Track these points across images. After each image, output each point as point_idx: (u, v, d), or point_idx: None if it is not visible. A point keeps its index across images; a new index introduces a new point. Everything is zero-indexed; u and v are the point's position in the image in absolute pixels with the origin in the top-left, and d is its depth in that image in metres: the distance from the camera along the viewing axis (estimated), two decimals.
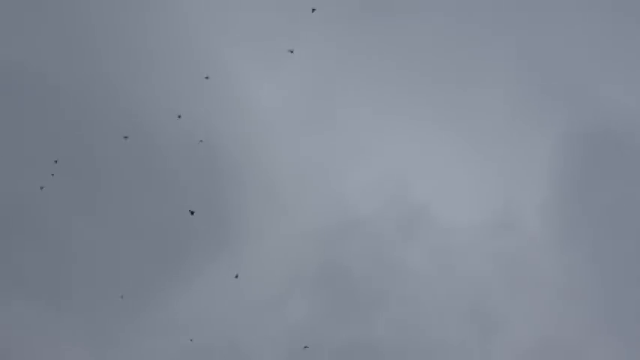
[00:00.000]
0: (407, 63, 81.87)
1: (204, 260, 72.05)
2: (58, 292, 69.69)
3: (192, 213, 65.86)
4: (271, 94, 78.04)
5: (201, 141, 68.73)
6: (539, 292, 73.51)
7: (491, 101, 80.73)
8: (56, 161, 64.11)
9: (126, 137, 69.16)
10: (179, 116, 71.28)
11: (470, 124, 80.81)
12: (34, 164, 70.09)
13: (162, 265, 71.47)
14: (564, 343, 71.47)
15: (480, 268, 75.02)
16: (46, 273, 69.86)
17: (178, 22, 75.60)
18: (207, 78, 71.84)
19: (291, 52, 68.93)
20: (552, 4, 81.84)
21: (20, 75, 72.42)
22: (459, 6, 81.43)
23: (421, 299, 74.04)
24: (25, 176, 70.02)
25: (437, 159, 79.27)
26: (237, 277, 67.68)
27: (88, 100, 73.28)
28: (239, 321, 70.02)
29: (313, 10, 70.68)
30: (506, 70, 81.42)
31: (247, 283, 71.67)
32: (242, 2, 77.36)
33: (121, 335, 68.85)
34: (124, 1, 77.55)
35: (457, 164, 79.12)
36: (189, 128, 71.80)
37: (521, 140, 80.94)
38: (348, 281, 74.38)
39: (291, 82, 79.22)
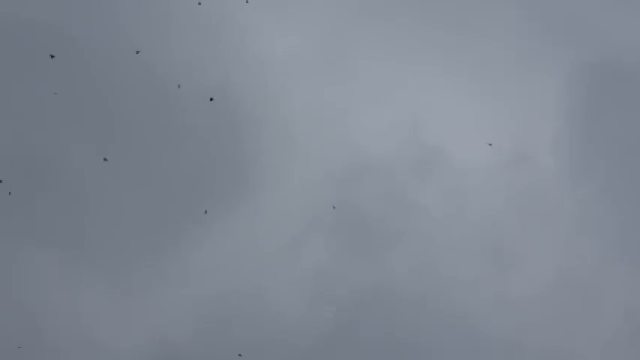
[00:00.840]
0: (416, 11, 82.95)
1: (222, 208, 74.14)
2: (76, 241, 71.80)
3: (211, 99, 68.00)
4: (285, 42, 79.33)
5: (211, 99, 70.58)
6: (554, 226, 75.54)
7: (496, 42, 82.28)
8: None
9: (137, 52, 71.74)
10: (137, 52, 72.44)
11: (478, 66, 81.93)
12: (52, 116, 72.40)
13: (180, 214, 73.69)
14: (580, 276, 73.72)
15: (494, 205, 77.05)
16: (64, 223, 71.85)
17: None
18: (199, 4, 72.91)
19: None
20: None
21: (44, 32, 73.95)
22: None
23: (436, 238, 76.25)
24: (43, 128, 72.19)
25: (448, 101, 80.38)
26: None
27: (105, 53, 74.95)
28: (259, 266, 72.53)
29: None
30: (508, 9, 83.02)
31: (266, 229, 74.45)
32: None
33: (140, 284, 71.42)
34: None
35: (468, 105, 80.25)
36: (204, 79, 73.45)
37: (529, 77, 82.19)
38: (364, 222, 76.42)
39: (305, 31, 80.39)
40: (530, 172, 78.22)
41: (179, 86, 70.76)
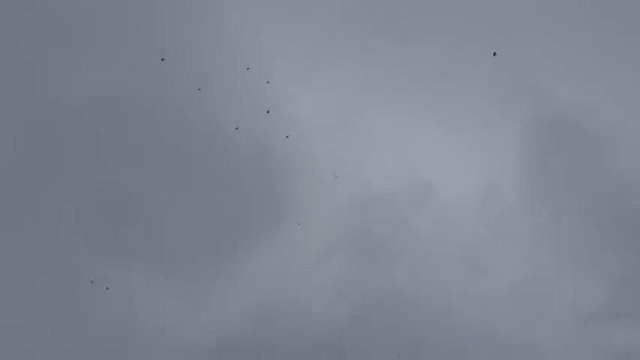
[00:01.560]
0: (411, 75, 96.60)
1: (265, 233, 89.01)
2: (157, 258, 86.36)
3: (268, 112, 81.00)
4: (312, 104, 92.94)
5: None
6: (517, 245, 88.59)
7: (474, 102, 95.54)
8: None
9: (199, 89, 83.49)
10: (199, 89, 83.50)
11: (459, 121, 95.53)
12: (138, 164, 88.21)
13: (235, 238, 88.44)
14: (537, 282, 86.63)
15: (471, 230, 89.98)
16: (149, 245, 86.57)
17: (241, 56, 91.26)
18: (248, 68, 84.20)
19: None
20: (519, 22, 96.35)
21: (125, 101, 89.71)
22: (446, 28, 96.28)
23: (428, 255, 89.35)
24: (131, 174, 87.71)
25: (437, 149, 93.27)
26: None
27: (174, 116, 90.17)
28: (294, 277, 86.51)
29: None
30: (485, 78, 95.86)
31: (298, 249, 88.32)
32: (289, 41, 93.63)
33: (205, 290, 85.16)
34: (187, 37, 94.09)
35: (451, 152, 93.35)
36: (247, 135, 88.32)
37: (497, 130, 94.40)
38: (374, 243, 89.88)
39: (325, 95, 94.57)
40: (499, 204, 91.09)
41: (237, 128, 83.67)
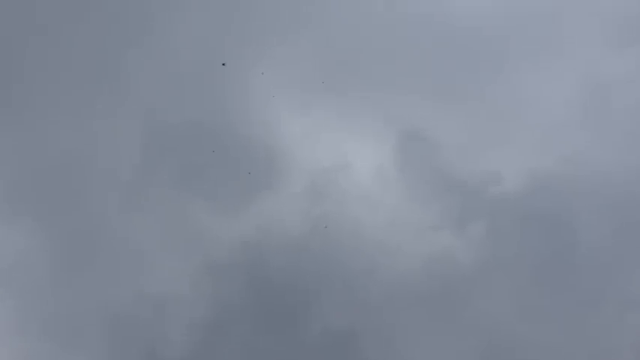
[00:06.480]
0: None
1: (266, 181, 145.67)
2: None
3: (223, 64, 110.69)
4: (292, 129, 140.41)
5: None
6: (383, 187, 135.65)
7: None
8: None
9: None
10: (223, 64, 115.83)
11: (360, 128, 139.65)
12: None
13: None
14: (385, 193, 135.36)
15: (365, 181, 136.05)
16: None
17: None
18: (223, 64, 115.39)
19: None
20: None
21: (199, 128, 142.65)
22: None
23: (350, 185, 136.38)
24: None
25: (353, 149, 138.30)
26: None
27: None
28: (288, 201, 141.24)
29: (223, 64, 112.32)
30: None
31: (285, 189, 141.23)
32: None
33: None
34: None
35: (359, 149, 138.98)
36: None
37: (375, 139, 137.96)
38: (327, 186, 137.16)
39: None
40: (384, 177, 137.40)
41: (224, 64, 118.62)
